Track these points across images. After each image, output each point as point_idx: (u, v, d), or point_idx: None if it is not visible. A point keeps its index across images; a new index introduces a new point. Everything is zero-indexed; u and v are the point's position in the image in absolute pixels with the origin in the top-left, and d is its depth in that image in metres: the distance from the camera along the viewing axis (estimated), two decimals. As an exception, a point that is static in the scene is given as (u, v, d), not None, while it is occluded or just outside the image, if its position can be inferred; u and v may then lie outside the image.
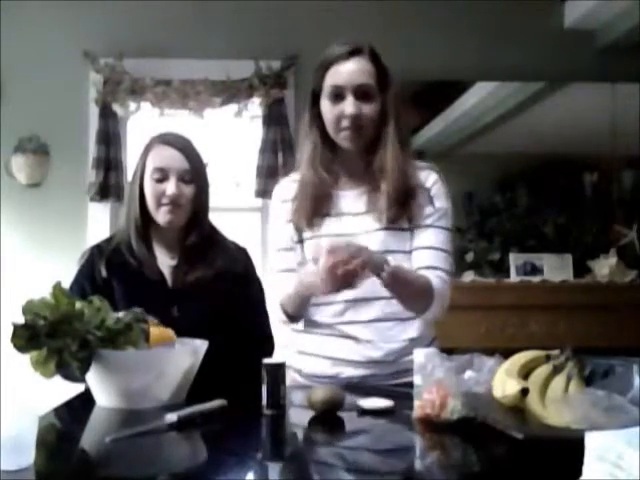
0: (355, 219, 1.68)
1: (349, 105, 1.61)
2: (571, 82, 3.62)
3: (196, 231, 1.80)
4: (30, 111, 3.45)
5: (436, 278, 1.64)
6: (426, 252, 1.66)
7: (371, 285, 1.58)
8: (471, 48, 3.55)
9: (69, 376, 1.58)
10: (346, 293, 1.59)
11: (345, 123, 1.63)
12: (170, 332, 1.56)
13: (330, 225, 1.69)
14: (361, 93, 1.62)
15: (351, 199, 1.71)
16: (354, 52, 1.63)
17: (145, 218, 1.80)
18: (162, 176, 1.75)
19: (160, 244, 1.83)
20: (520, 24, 3.59)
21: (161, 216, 1.77)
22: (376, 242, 1.64)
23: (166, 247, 1.83)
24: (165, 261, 1.81)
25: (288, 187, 1.76)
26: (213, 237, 1.86)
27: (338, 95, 1.62)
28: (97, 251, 1.83)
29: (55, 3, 3.47)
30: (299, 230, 1.72)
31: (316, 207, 1.69)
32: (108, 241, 1.86)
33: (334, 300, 1.66)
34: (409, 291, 1.62)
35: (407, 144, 1.70)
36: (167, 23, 3.50)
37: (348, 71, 1.62)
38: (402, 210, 1.65)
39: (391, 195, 1.64)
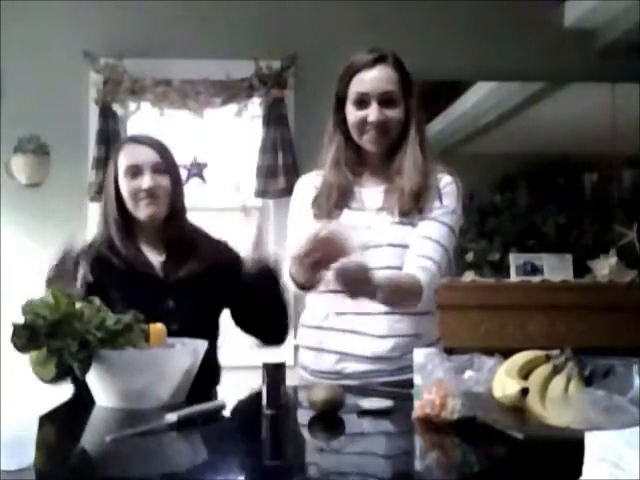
0: (371, 214, 1.73)
1: (373, 112, 1.68)
2: (571, 82, 3.62)
3: (177, 224, 1.82)
4: (30, 111, 3.44)
5: (422, 271, 1.63)
6: (422, 241, 1.68)
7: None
8: (471, 48, 3.55)
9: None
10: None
11: (369, 128, 1.70)
12: (159, 325, 1.56)
13: (347, 217, 1.74)
14: (385, 100, 1.69)
15: (370, 195, 1.76)
16: (379, 60, 1.70)
17: (128, 217, 1.80)
18: (136, 171, 1.77)
19: (146, 242, 1.83)
20: (520, 24, 3.58)
21: (141, 211, 1.78)
22: (388, 235, 1.69)
23: (152, 244, 1.83)
24: (154, 257, 1.82)
25: (313, 179, 1.81)
26: (195, 231, 1.89)
27: (363, 101, 1.69)
28: (82, 255, 1.80)
29: (55, 3, 3.46)
30: (318, 219, 1.75)
31: (336, 202, 1.74)
32: (89, 246, 1.83)
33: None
34: (399, 296, 1.64)
35: (427, 147, 1.74)
36: (167, 23, 3.50)
37: (373, 79, 1.69)
38: (414, 206, 1.69)
39: (406, 193, 1.70)
